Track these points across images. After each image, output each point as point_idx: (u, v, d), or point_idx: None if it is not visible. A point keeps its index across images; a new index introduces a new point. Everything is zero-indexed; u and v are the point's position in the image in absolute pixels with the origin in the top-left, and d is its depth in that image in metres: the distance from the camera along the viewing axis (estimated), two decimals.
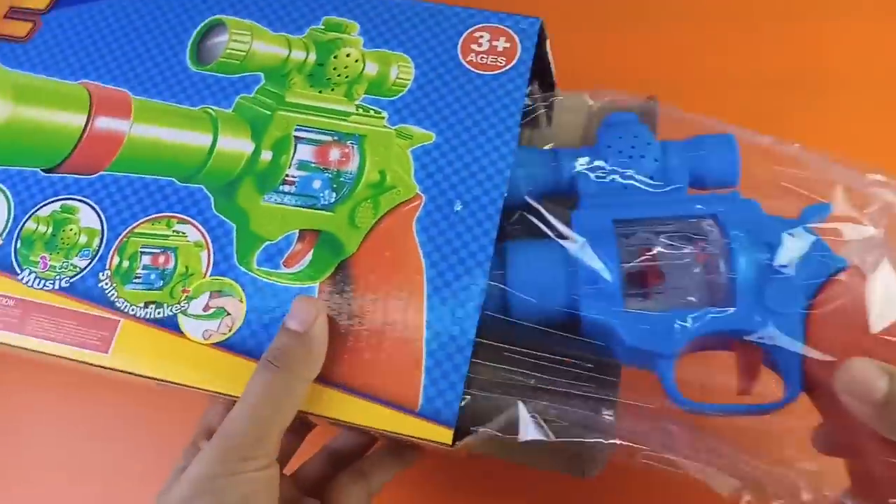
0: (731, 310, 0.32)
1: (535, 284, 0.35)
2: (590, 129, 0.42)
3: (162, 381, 0.35)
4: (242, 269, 0.36)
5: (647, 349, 0.33)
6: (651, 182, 0.36)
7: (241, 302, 0.36)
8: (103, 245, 0.37)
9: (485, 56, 0.40)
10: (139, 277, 0.36)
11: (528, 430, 0.33)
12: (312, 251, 0.36)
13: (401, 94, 0.39)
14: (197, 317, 0.36)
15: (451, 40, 0.40)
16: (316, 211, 0.37)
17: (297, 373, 0.32)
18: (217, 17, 0.42)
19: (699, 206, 0.35)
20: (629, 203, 0.35)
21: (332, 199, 0.37)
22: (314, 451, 0.40)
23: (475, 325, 0.34)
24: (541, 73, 0.43)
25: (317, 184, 0.37)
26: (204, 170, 0.38)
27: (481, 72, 0.39)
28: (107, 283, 0.36)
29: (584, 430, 0.33)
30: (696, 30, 0.60)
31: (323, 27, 0.41)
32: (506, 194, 0.36)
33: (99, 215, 0.38)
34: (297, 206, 0.37)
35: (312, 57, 0.40)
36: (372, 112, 0.39)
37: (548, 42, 0.41)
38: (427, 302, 0.35)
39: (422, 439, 0.33)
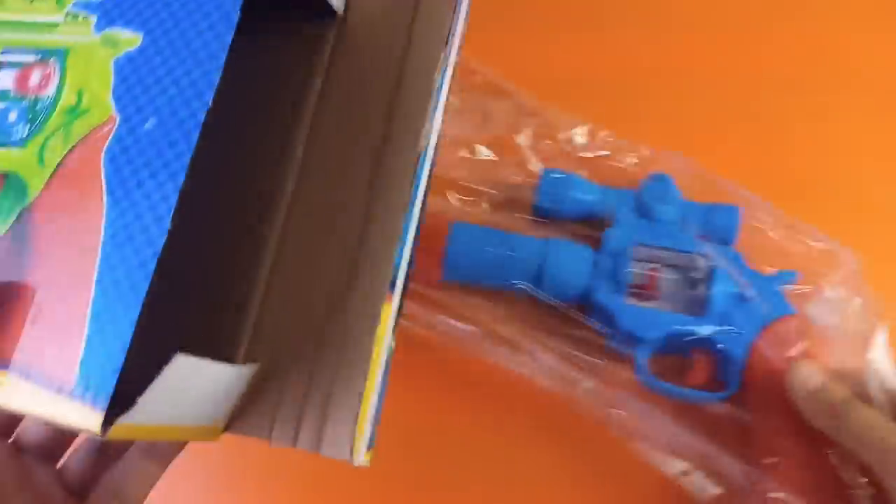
0: (703, 318, 0.43)
1: (567, 271, 0.45)
2: None
3: None
4: None
5: (633, 332, 0.43)
6: (670, 226, 0.46)
7: None
8: None
9: None
10: None
11: None
12: None
13: None
14: None
15: None
16: (5, 149, 0.29)
17: None
18: None
19: (698, 246, 0.45)
20: (650, 233, 0.45)
21: (25, 134, 0.29)
22: None
23: (149, 276, 0.25)
24: None
25: (12, 116, 0.30)
26: None
27: None
28: None
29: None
30: (696, 30, 0.58)
31: None
32: (209, 106, 0.28)
33: None
34: None
35: None
36: (80, 18, 0.30)
37: None
38: (101, 251, 0.26)
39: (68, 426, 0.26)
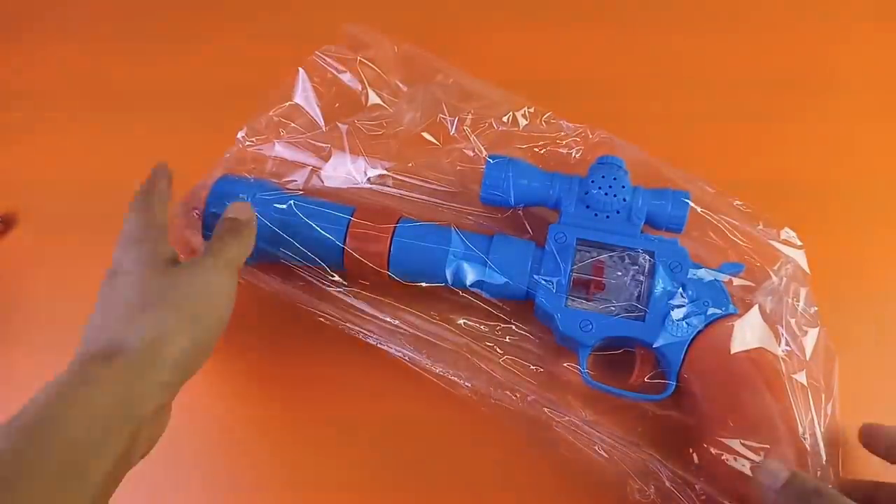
0: (641, 324, 0.44)
1: (509, 265, 0.45)
2: None
3: None
4: None
5: (573, 337, 0.44)
6: (616, 215, 0.46)
7: None
8: None
9: None
10: None
11: None
12: None
13: None
14: None
15: None
16: None
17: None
18: None
19: (642, 243, 0.45)
20: (594, 228, 0.46)
21: None
22: None
23: None
24: None
25: None
26: None
27: None
28: None
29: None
30: (696, 30, 0.60)
31: None
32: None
33: None
34: None
35: None
36: None
37: None
38: None
39: None
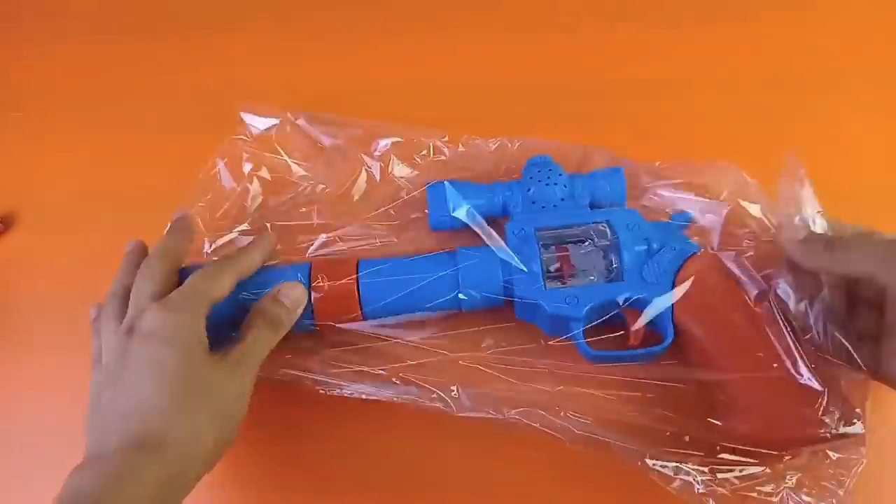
0: (622, 284, 0.45)
1: (481, 276, 0.46)
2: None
3: None
4: None
5: (562, 315, 0.44)
6: (562, 203, 0.48)
7: None
8: None
9: None
10: None
11: None
12: None
13: None
14: None
15: None
16: None
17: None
18: None
19: (597, 216, 0.47)
20: (546, 216, 0.47)
21: None
22: None
23: None
24: None
25: None
26: None
27: None
28: None
29: None
30: (695, 29, 0.62)
31: None
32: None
33: None
34: None
35: None
36: None
37: None
38: None
39: None
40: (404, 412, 0.46)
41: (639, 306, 0.45)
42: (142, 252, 0.45)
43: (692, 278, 0.44)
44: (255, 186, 0.53)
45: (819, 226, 0.44)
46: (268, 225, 0.52)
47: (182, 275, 0.44)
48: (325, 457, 0.48)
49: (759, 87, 0.59)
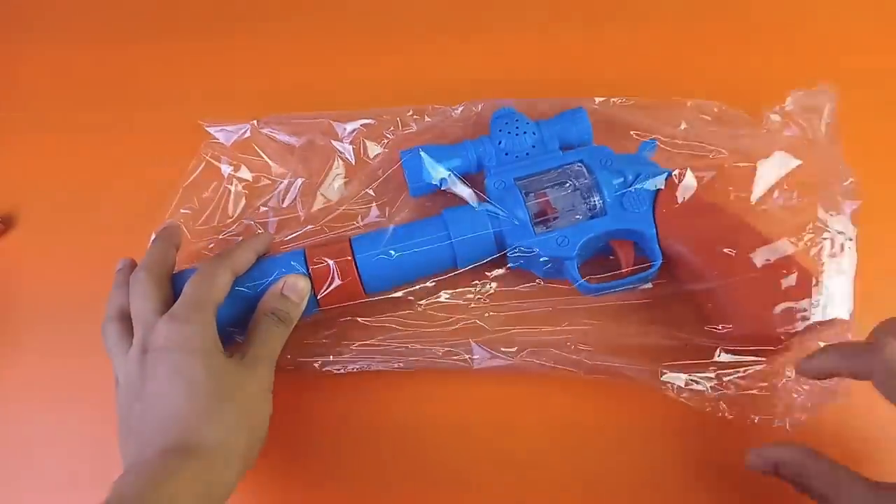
0: (606, 217, 0.47)
1: (472, 235, 0.47)
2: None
3: None
4: None
5: (556, 256, 0.46)
6: (533, 150, 0.50)
7: None
8: None
9: None
10: None
11: None
12: None
13: None
14: None
15: None
16: None
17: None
18: None
19: (570, 157, 0.49)
20: (521, 166, 0.49)
21: None
22: None
23: None
24: None
25: None
26: None
27: None
28: None
29: None
30: (694, 29, 0.61)
31: None
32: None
33: None
34: None
35: None
36: None
37: None
38: None
39: None
40: (418, 378, 0.48)
41: (625, 236, 0.47)
42: (130, 270, 0.45)
43: (668, 205, 0.47)
44: (236, 188, 0.53)
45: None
46: (254, 224, 0.52)
47: (174, 281, 0.45)
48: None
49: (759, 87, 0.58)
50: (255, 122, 0.54)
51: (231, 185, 0.53)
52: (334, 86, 0.60)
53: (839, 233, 0.45)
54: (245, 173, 0.54)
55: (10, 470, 0.49)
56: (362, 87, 0.59)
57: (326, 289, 0.46)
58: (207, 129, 0.54)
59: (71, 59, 0.63)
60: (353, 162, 0.53)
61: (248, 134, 0.54)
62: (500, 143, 0.50)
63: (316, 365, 0.48)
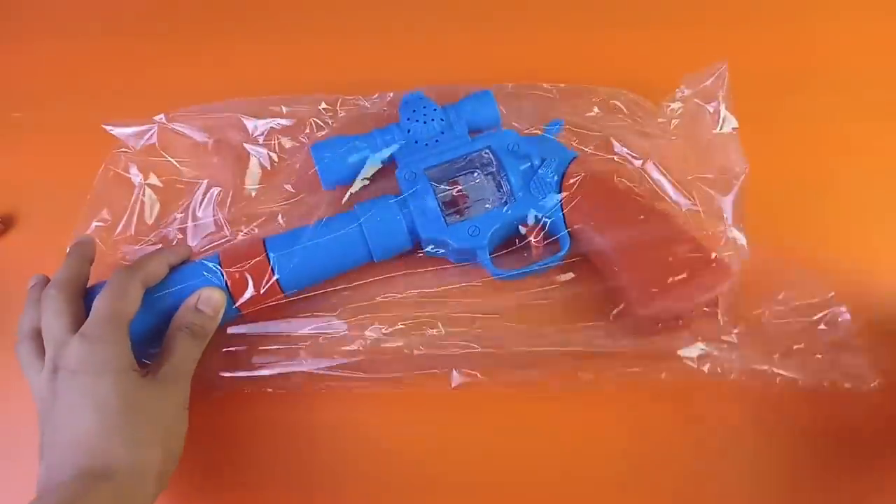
0: (515, 204, 0.48)
1: (384, 228, 0.47)
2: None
3: None
4: None
5: (467, 247, 0.47)
6: (442, 136, 0.49)
7: None
8: None
9: None
10: None
11: None
12: None
13: None
14: None
15: None
16: None
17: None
18: None
19: (477, 144, 0.49)
20: (431, 155, 0.49)
21: None
22: None
23: None
24: None
25: None
26: None
27: None
28: None
29: None
30: (694, 29, 0.61)
31: None
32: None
33: None
34: None
35: None
36: None
37: None
38: None
39: None
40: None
41: (535, 221, 0.47)
42: (43, 287, 0.44)
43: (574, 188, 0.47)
44: (149, 196, 0.53)
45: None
46: (173, 232, 0.52)
47: (88, 294, 0.44)
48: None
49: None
50: (162, 116, 0.53)
51: (143, 194, 0.53)
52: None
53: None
54: (155, 180, 0.53)
55: (10, 470, 0.49)
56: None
57: (244, 292, 0.46)
58: (111, 131, 0.53)
59: (72, 58, 0.63)
60: (269, 167, 0.53)
61: (154, 137, 0.53)
62: (408, 131, 0.49)
63: (235, 376, 0.47)
